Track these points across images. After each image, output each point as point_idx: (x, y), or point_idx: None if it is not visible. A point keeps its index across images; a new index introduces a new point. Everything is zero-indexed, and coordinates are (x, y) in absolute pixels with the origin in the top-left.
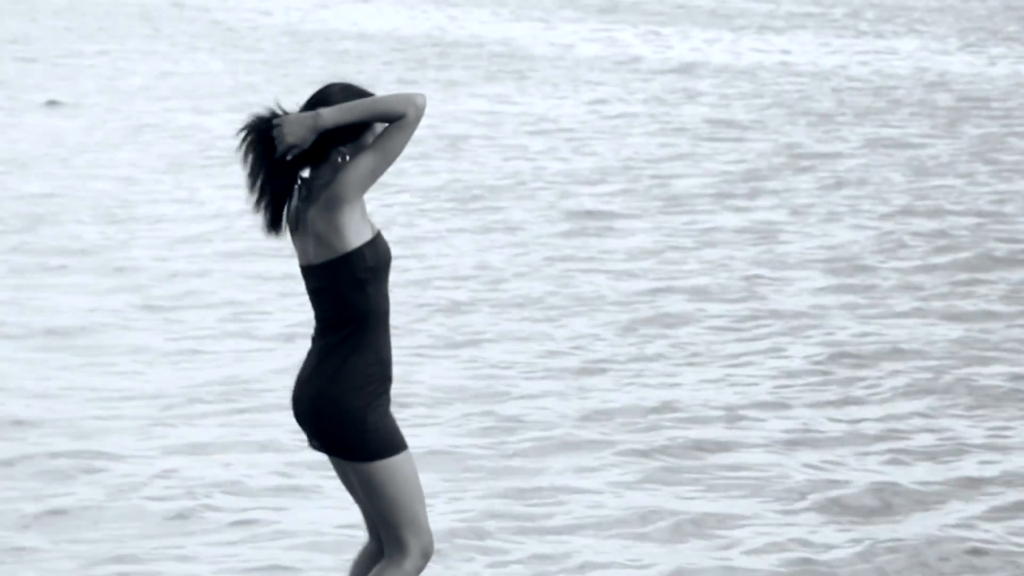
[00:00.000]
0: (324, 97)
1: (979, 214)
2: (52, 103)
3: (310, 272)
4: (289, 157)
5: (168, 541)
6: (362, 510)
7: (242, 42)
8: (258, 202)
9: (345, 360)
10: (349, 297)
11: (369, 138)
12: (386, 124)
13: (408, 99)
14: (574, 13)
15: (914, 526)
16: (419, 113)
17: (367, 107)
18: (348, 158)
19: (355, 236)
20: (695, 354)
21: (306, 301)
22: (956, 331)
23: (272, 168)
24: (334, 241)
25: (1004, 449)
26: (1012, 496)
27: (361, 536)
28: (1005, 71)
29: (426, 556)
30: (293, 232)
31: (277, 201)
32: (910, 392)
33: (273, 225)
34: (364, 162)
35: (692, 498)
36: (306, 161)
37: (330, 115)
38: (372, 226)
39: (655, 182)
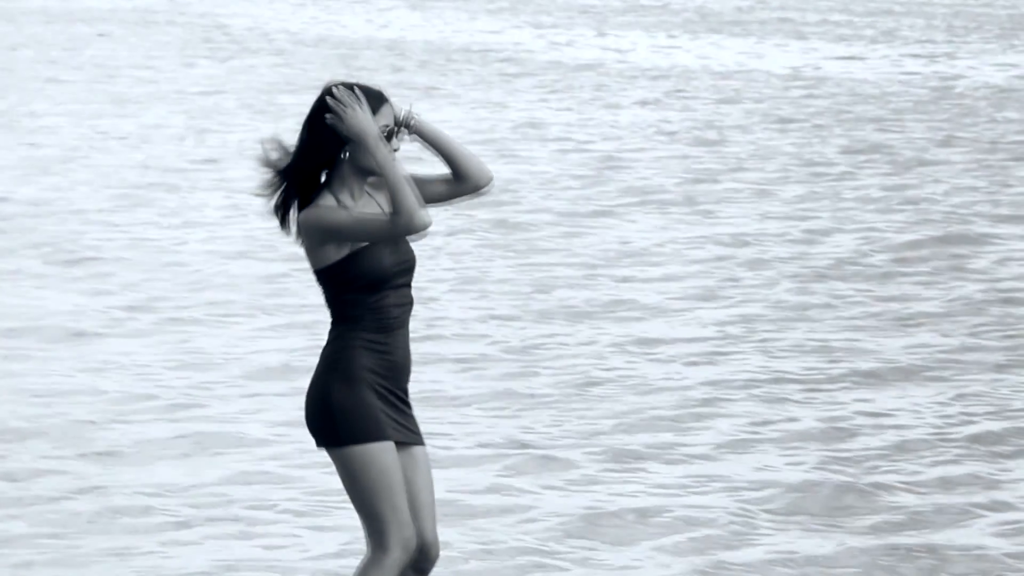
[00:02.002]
0: (325, 102)
1: None
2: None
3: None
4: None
5: None
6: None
7: (251, 46)
8: (274, 204)
9: (336, 355)
10: (336, 303)
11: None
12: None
13: (417, 217)
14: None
15: None
16: (409, 230)
17: (396, 182)
18: (347, 155)
19: (323, 258)
20: None
21: None
22: None
23: (290, 171)
24: (309, 257)
25: None
26: None
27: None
28: None
29: (407, 550)
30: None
31: (286, 203)
32: None
33: (282, 225)
34: (340, 216)
35: None
36: (323, 165)
37: (379, 154)
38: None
39: None
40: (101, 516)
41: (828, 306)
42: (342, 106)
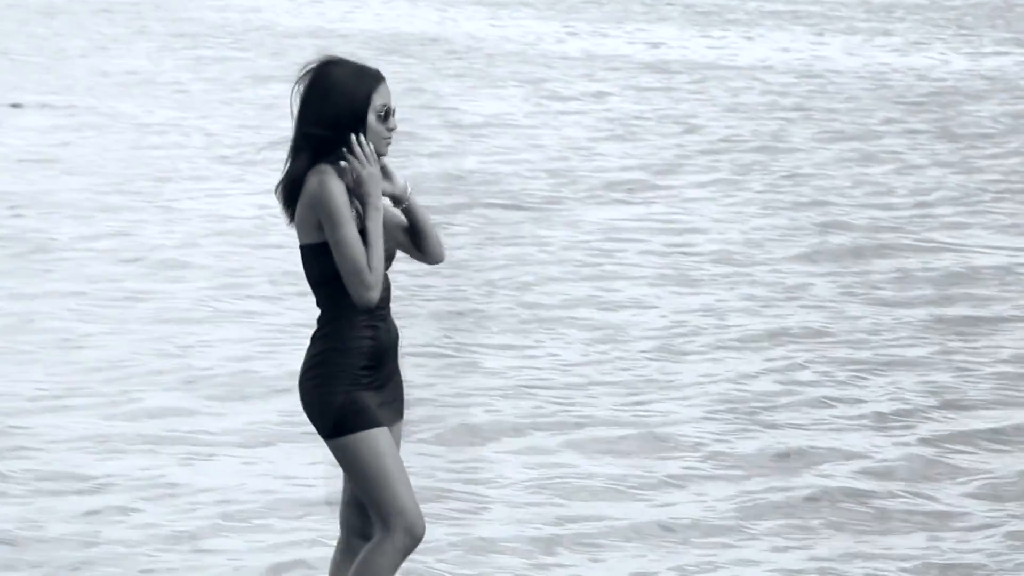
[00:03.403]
0: (323, 76)
1: None
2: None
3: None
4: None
5: None
6: (343, 499)
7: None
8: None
9: (326, 347)
10: (322, 285)
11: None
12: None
13: (364, 295)
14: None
15: None
16: (354, 295)
17: (374, 240)
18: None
19: (315, 233)
20: None
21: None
22: None
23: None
24: (300, 229)
25: None
26: None
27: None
28: None
29: (411, 535)
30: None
31: (293, 180)
32: None
33: (286, 205)
34: (340, 215)
35: None
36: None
37: (372, 220)
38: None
39: None
40: None
41: None
42: (359, 162)
